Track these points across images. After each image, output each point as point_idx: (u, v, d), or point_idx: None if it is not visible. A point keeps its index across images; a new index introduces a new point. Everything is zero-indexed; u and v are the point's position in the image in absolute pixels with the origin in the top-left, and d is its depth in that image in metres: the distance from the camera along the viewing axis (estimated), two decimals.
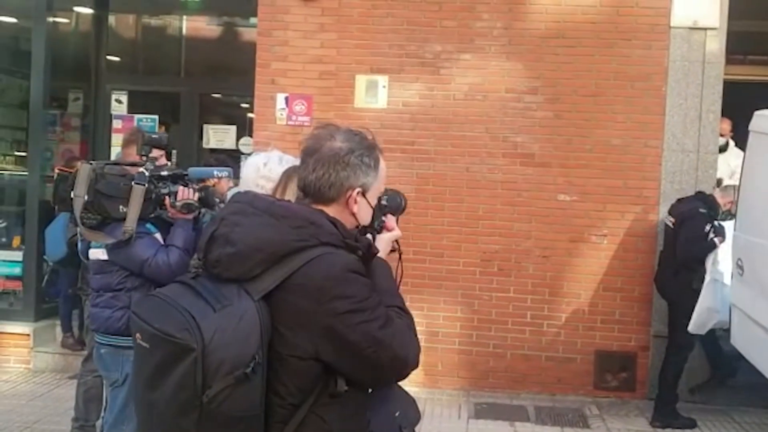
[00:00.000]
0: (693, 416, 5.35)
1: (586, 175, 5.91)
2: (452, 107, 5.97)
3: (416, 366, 1.86)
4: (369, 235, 2.01)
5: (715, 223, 5.14)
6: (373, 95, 5.95)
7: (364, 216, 1.93)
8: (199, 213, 3.29)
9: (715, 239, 5.07)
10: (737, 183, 5.30)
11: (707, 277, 5.18)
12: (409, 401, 2.23)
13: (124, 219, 3.15)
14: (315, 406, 1.75)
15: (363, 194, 1.89)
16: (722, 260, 5.22)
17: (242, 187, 2.87)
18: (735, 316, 4.99)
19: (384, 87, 5.93)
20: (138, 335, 1.73)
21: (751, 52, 7.34)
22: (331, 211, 1.85)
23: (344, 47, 6.00)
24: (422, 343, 6.01)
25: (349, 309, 1.71)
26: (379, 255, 1.96)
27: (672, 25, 5.76)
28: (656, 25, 5.80)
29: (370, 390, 1.97)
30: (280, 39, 6.04)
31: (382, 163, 1.95)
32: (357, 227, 1.93)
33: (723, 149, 6.42)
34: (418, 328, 5.88)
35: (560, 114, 5.92)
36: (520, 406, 5.67)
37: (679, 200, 5.42)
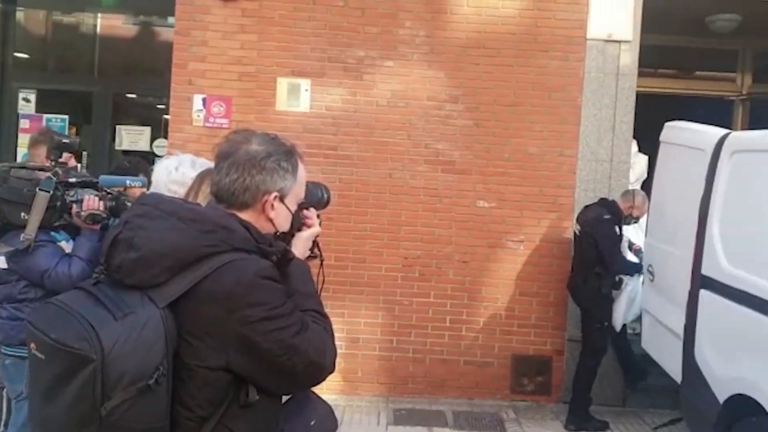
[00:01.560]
0: (606, 419, 5.51)
1: (505, 183, 6.01)
2: (375, 113, 5.96)
3: (332, 371, 1.83)
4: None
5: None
6: (295, 99, 5.87)
7: (282, 222, 1.88)
8: (108, 223, 3.14)
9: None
10: (636, 187, 5.52)
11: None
12: (326, 410, 2.19)
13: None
14: (224, 417, 1.69)
15: (281, 199, 1.83)
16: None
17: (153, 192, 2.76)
18: (646, 321, 5.18)
19: (306, 90, 5.87)
20: (33, 345, 1.63)
21: (663, 65, 7.64)
22: (246, 216, 1.79)
23: (265, 49, 5.90)
24: (342, 350, 5.97)
25: (262, 316, 1.66)
26: (297, 256, 1.91)
27: (588, 37, 5.93)
28: (573, 37, 5.95)
29: (283, 399, 1.92)
30: (199, 39, 5.89)
31: (301, 168, 1.90)
32: (275, 234, 1.87)
33: None
34: (338, 335, 5.83)
35: (480, 122, 6.00)
36: (439, 412, 5.70)
37: (585, 207, 5.59)
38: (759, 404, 3.34)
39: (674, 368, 4.47)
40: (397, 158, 5.99)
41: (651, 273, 4.96)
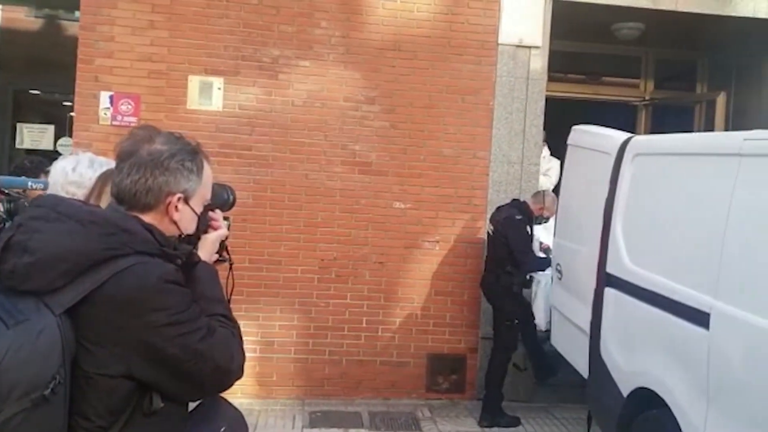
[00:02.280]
0: (517, 414, 5.64)
1: (420, 184, 6.08)
2: (291, 113, 5.91)
3: (240, 376, 1.80)
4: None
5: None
6: (208, 97, 5.75)
7: (187, 224, 1.83)
8: (4, 226, 2.97)
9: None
10: (547, 188, 5.70)
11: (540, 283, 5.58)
12: (236, 415, 2.15)
13: None
14: (126, 427, 1.64)
15: (185, 201, 1.79)
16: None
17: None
18: (554, 318, 5.33)
19: (219, 89, 5.76)
20: None
21: (571, 70, 7.91)
22: (148, 218, 1.74)
23: (176, 46, 5.75)
24: (257, 354, 5.90)
25: (166, 322, 1.62)
26: (203, 260, 1.87)
27: (499, 42, 6.07)
28: (485, 41, 6.08)
29: (191, 405, 1.88)
30: (106, 35, 5.69)
31: (207, 169, 1.85)
32: (180, 236, 1.82)
33: None
34: (253, 338, 5.75)
35: (396, 124, 6.04)
36: (355, 413, 5.70)
37: (498, 208, 5.72)
38: (660, 397, 3.49)
39: (581, 364, 4.61)
40: (314, 159, 5.96)
41: (559, 271, 5.11)
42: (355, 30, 5.97)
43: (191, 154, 1.78)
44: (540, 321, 5.66)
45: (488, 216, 5.97)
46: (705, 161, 3.44)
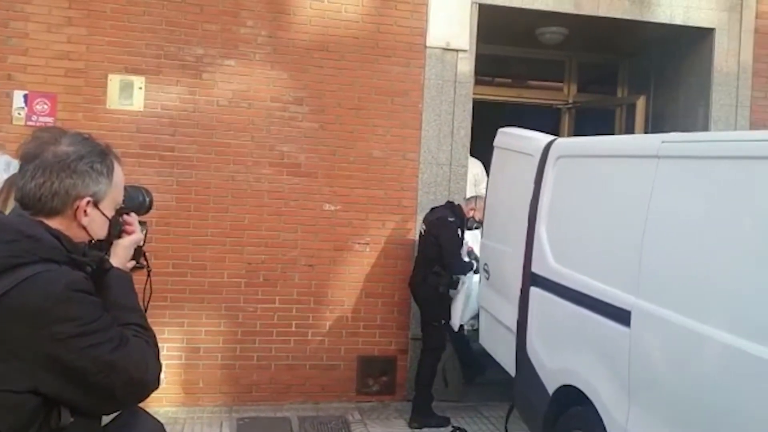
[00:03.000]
0: (447, 414, 5.67)
1: (350, 185, 6.04)
2: (216, 113, 5.78)
3: (157, 387, 1.72)
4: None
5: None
6: (128, 97, 5.56)
7: (97, 229, 1.74)
8: None
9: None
10: (480, 191, 5.78)
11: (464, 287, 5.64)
12: (156, 427, 2.07)
13: None
14: None
15: (95, 205, 1.70)
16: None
17: None
18: (482, 318, 5.39)
19: (140, 89, 5.58)
20: None
21: (498, 74, 8.03)
22: (55, 224, 1.64)
23: (95, 44, 5.54)
24: (183, 360, 5.73)
25: (74, 333, 1.53)
26: (116, 266, 1.78)
27: (427, 45, 6.09)
28: (413, 44, 6.09)
29: (108, 418, 1.79)
30: (20, 31, 5.43)
31: (118, 170, 1.77)
32: (90, 242, 1.73)
33: None
34: (178, 345, 5.58)
35: (325, 125, 5.99)
36: (284, 418, 5.62)
37: (432, 209, 5.75)
38: (584, 394, 3.56)
39: (509, 362, 4.68)
40: (240, 160, 5.84)
41: (487, 272, 5.17)
42: (282, 29, 5.89)
43: (100, 156, 1.69)
44: (455, 321, 5.71)
45: (418, 217, 6.00)
46: (625, 163, 3.53)
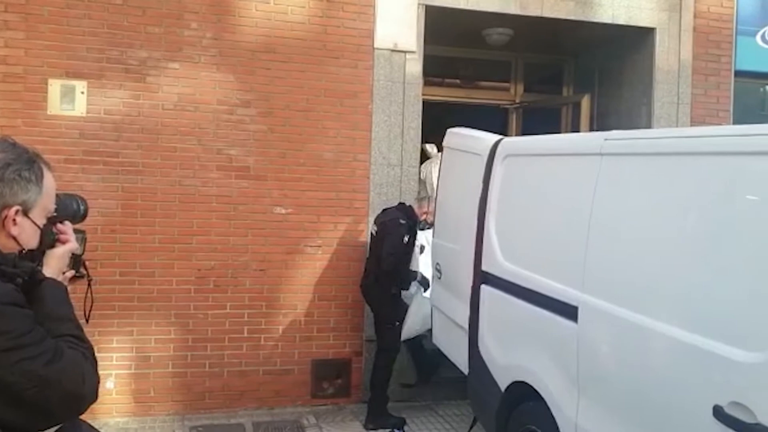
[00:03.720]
0: (402, 415, 5.68)
1: (301, 188, 6.00)
2: (161, 117, 5.68)
3: (95, 399, 1.67)
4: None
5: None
6: (70, 102, 5.42)
7: (28, 239, 1.68)
8: None
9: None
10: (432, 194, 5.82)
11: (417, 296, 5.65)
12: None
13: None
14: None
15: (24, 213, 1.64)
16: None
17: None
18: (435, 317, 5.41)
19: (82, 93, 5.44)
20: None
21: (446, 74, 8.07)
22: None
23: (34, 48, 5.38)
24: (132, 370, 5.61)
25: (5, 347, 1.48)
26: (50, 277, 1.73)
27: (375, 46, 6.09)
28: (361, 45, 6.09)
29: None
30: None
31: (49, 177, 1.71)
32: (21, 252, 1.67)
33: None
34: (127, 354, 5.45)
35: (274, 128, 5.93)
36: (238, 424, 5.55)
37: (383, 210, 5.75)
38: (535, 390, 3.60)
39: (461, 360, 4.70)
40: (187, 165, 5.75)
41: (438, 271, 5.19)
42: (227, 31, 5.81)
43: (28, 163, 1.64)
44: (403, 334, 5.68)
45: (370, 218, 6.00)
46: (570, 161, 3.59)
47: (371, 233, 5.77)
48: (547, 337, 3.55)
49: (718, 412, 2.42)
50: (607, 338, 3.15)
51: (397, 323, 5.60)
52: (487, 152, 4.32)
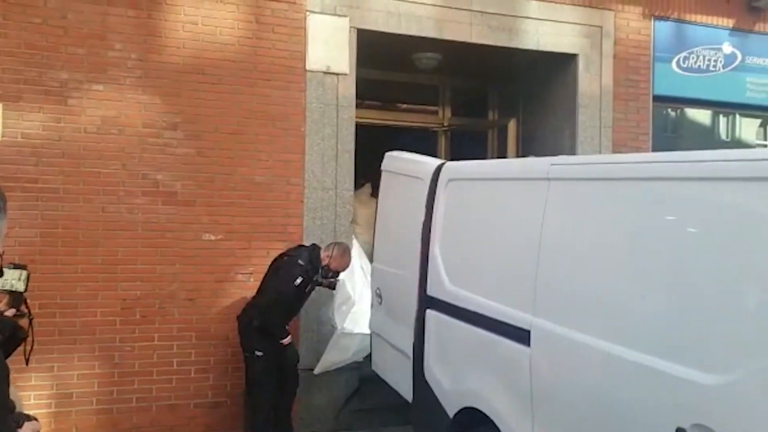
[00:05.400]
0: None
1: (232, 213, 5.83)
2: (84, 141, 5.40)
3: None
4: None
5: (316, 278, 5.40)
6: None
7: None
8: None
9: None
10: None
11: (336, 331, 5.58)
12: None
13: None
14: None
15: None
16: (346, 311, 5.64)
17: None
18: (374, 343, 5.32)
19: None
20: None
21: (379, 98, 8.08)
22: None
23: None
24: (53, 408, 5.26)
25: None
26: None
27: (307, 68, 6.02)
28: (293, 67, 6.00)
29: None
30: None
31: None
32: None
33: None
34: (47, 392, 5.09)
35: (203, 151, 5.75)
36: None
37: (298, 246, 5.61)
38: (485, 415, 3.57)
39: (404, 387, 4.64)
40: (111, 190, 5.49)
41: (379, 296, 5.12)
42: (154, 52, 5.61)
43: None
44: (319, 365, 5.63)
45: (305, 243, 5.89)
46: (518, 186, 3.60)
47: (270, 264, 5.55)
48: (499, 361, 3.53)
49: None
50: (562, 362, 3.15)
51: (258, 353, 5.28)
52: (429, 176, 4.30)
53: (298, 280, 5.26)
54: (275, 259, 5.48)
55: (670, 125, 7.59)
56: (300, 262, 5.32)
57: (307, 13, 6.03)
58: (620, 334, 2.82)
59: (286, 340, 5.35)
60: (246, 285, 5.86)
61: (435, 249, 4.15)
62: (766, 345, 2.25)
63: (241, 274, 5.87)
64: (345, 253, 5.53)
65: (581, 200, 3.20)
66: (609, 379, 2.86)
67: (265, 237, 5.92)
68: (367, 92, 6.86)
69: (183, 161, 5.70)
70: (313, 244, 5.64)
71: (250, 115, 5.88)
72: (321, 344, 5.90)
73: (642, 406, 2.67)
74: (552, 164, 3.37)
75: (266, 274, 5.48)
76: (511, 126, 7.56)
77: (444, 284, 4.03)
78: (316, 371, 5.71)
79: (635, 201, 2.89)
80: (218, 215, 5.79)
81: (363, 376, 6.05)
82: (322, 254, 5.47)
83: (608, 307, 2.96)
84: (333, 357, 5.75)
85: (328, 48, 6.07)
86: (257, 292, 5.50)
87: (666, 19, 7.13)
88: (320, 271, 5.44)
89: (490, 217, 3.79)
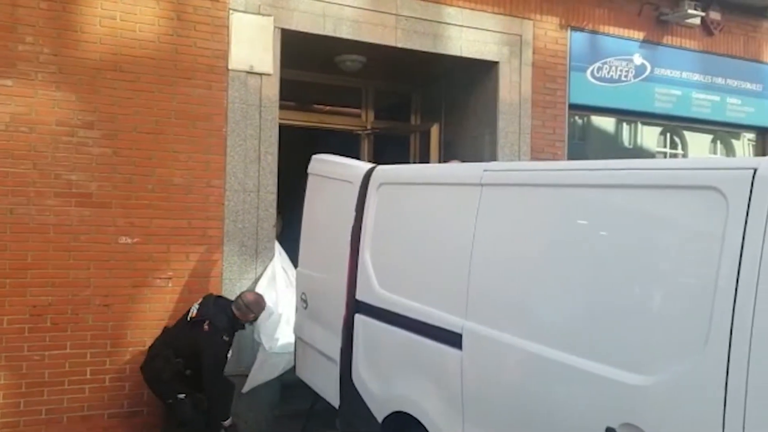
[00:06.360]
0: None
1: (149, 216, 5.63)
2: None
3: None
4: None
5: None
6: None
7: None
8: None
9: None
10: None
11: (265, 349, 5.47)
12: None
13: None
14: None
15: None
16: (271, 327, 5.53)
17: None
18: (299, 349, 5.26)
19: None
20: None
21: (303, 99, 7.99)
22: None
23: None
24: None
25: None
26: None
27: (230, 68, 5.88)
28: (215, 66, 5.85)
29: None
30: None
31: None
32: None
33: None
34: None
35: (119, 151, 5.53)
36: None
37: (217, 298, 5.42)
38: (415, 419, 3.58)
39: (331, 393, 4.59)
40: (21, 191, 5.21)
41: (304, 301, 5.06)
42: (68, 47, 5.35)
43: None
44: (247, 383, 5.54)
45: (225, 247, 5.79)
46: (451, 190, 3.63)
47: (188, 312, 5.29)
48: (430, 364, 3.55)
49: None
50: (493, 364, 3.20)
51: (180, 396, 5.09)
52: (359, 180, 4.28)
53: (229, 353, 5.17)
54: (193, 322, 5.15)
55: (580, 132, 7.86)
56: (225, 338, 5.10)
57: (231, 11, 5.90)
58: (549, 337, 2.90)
59: (228, 422, 5.29)
60: (164, 290, 5.68)
61: (365, 253, 4.13)
62: (687, 346, 2.34)
63: (159, 278, 5.67)
64: (257, 301, 5.38)
65: (511, 206, 3.27)
66: (539, 380, 2.93)
67: (184, 240, 5.75)
68: (291, 93, 6.77)
69: (98, 161, 5.47)
70: (221, 298, 5.43)
71: (170, 114, 5.70)
72: (244, 356, 5.79)
73: (572, 406, 2.74)
74: (485, 170, 3.42)
75: (180, 325, 5.27)
76: (434, 130, 7.63)
77: (374, 288, 4.02)
78: (245, 390, 5.58)
79: (557, 207, 3.00)
80: (135, 217, 5.58)
81: (285, 382, 5.97)
82: (236, 312, 5.27)
83: (536, 310, 3.03)
84: (262, 376, 5.60)
85: (252, 47, 5.96)
86: (167, 336, 5.27)
87: (582, 30, 7.38)
88: (237, 326, 5.32)
89: (422, 221, 3.81)
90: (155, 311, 5.65)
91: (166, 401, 5.23)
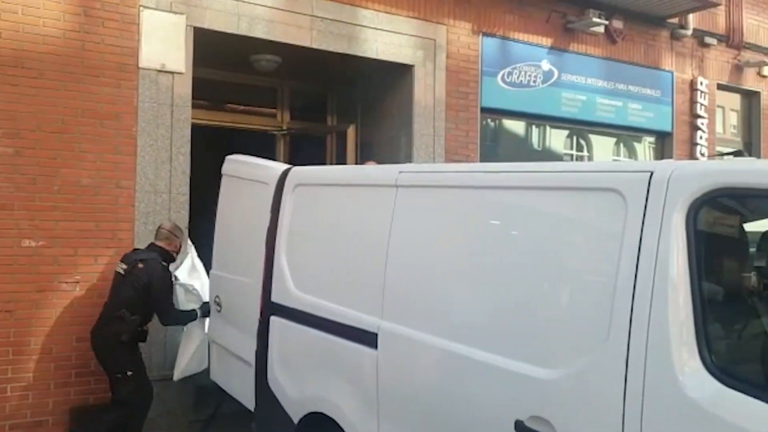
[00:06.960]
0: None
1: (55, 218, 5.42)
2: None
3: None
4: None
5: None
6: None
7: None
8: None
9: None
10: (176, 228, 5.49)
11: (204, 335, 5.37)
12: None
13: None
14: None
15: None
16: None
17: None
18: (214, 352, 5.17)
19: None
20: None
21: (217, 98, 7.85)
22: None
23: None
24: None
25: None
26: None
27: (140, 66, 5.74)
28: (124, 64, 5.69)
29: None
30: None
31: None
32: None
33: None
34: None
35: (22, 151, 5.30)
36: None
37: (134, 250, 5.37)
38: (331, 419, 3.59)
39: (246, 396, 4.54)
40: None
41: (218, 304, 4.99)
42: None
43: None
44: (176, 371, 5.43)
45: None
46: (367, 192, 3.67)
47: (117, 272, 5.19)
48: (346, 365, 3.57)
49: (520, 427, 2.61)
50: (407, 363, 3.25)
51: (130, 373, 5.02)
52: (274, 181, 4.26)
53: (170, 278, 5.23)
54: (126, 273, 5.07)
55: (492, 135, 8.07)
56: (163, 263, 5.17)
57: (141, 8, 5.76)
58: (461, 334, 2.98)
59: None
60: (71, 294, 5.49)
61: (280, 255, 4.11)
62: (590, 341, 2.46)
63: (66, 282, 5.48)
64: (175, 225, 5.52)
65: (425, 207, 3.33)
66: (452, 377, 3.00)
67: (92, 243, 5.56)
68: (204, 92, 6.65)
69: None
70: (152, 243, 5.37)
71: (76, 113, 5.51)
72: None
73: (484, 401, 2.83)
74: (400, 171, 3.47)
75: (116, 286, 5.12)
76: (350, 132, 7.67)
77: (290, 290, 4.01)
78: (176, 377, 5.41)
79: (470, 207, 3.10)
80: (39, 220, 5.37)
81: (199, 386, 5.87)
82: (168, 247, 5.33)
83: (450, 309, 3.11)
84: (195, 365, 5.45)
85: (163, 46, 5.83)
86: (108, 305, 5.11)
87: (493, 35, 7.58)
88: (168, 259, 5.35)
89: (339, 222, 3.83)
90: (62, 317, 5.46)
91: (114, 374, 5.03)
